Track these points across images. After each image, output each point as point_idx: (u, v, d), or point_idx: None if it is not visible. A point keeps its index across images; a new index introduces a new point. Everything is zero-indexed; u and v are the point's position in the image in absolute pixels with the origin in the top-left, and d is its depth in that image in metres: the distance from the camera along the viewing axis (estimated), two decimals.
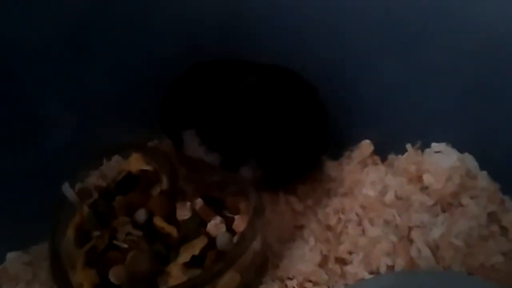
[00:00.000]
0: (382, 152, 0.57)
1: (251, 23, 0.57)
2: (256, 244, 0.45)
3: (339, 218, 0.52)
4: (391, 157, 0.57)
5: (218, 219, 0.47)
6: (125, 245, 0.46)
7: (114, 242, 0.47)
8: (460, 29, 0.50)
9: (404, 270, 0.46)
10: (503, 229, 0.50)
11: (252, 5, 0.56)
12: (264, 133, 0.52)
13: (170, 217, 0.48)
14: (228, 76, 0.54)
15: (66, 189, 0.49)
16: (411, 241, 0.49)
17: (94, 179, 0.51)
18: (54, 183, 0.49)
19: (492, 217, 0.50)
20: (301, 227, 0.53)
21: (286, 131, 0.53)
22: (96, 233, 0.48)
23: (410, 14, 0.51)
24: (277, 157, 0.53)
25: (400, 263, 0.47)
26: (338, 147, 0.59)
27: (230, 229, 0.47)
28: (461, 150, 0.54)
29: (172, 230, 0.47)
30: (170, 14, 0.56)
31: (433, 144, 0.55)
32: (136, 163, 0.51)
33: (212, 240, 0.47)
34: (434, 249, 0.48)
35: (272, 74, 0.54)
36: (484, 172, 0.53)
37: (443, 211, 0.51)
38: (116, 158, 0.53)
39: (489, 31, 0.48)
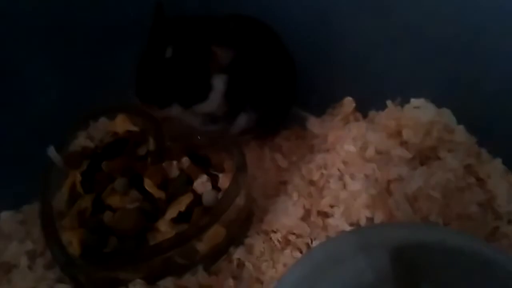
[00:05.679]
0: (363, 108, 0.58)
1: None
2: (240, 200, 0.47)
3: (322, 174, 0.53)
4: (372, 113, 0.58)
5: (204, 177, 0.49)
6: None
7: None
8: None
9: (383, 222, 0.48)
10: (480, 181, 0.51)
11: None
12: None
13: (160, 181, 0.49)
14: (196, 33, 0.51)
15: (52, 152, 0.50)
16: (390, 193, 0.50)
17: (81, 141, 0.52)
18: (44, 143, 0.50)
19: (469, 169, 0.51)
20: (285, 183, 0.54)
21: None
22: (88, 197, 0.49)
23: None
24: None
25: (379, 215, 0.48)
26: (321, 104, 0.60)
27: (215, 187, 0.49)
28: (439, 105, 0.55)
29: (161, 195, 0.48)
30: None
31: (412, 100, 0.56)
32: (122, 124, 0.52)
33: (198, 197, 0.48)
34: (412, 200, 0.49)
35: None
36: (461, 126, 0.54)
37: (422, 164, 0.52)
38: (102, 119, 0.54)
39: None
